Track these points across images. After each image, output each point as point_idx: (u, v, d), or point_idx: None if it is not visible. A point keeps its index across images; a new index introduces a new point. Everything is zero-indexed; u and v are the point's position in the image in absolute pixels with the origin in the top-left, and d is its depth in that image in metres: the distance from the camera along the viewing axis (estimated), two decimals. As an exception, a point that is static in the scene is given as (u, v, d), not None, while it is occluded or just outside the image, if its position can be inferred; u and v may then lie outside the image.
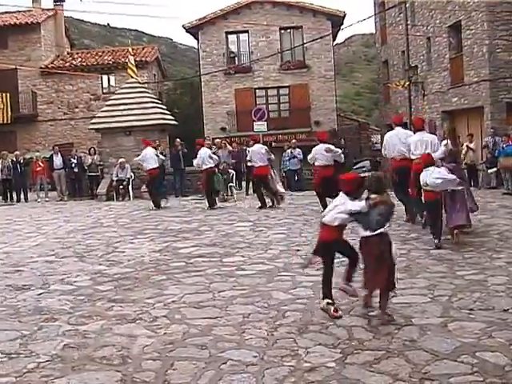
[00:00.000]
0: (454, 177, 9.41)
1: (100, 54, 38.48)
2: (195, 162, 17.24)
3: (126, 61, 26.17)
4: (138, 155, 18.29)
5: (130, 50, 26.11)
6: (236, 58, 35.79)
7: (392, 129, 12.75)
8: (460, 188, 9.75)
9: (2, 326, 6.06)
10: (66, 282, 7.91)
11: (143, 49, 38.51)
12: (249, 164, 17.06)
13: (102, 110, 24.39)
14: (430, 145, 11.20)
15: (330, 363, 4.78)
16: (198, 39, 35.52)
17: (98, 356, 5.11)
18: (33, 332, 5.83)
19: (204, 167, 16.79)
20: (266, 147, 16.70)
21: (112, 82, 35.70)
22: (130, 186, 21.10)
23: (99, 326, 5.91)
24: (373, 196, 6.03)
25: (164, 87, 42.17)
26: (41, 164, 22.82)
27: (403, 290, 6.80)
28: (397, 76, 33.84)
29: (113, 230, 13.02)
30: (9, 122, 34.09)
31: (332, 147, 14.09)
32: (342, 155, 14.78)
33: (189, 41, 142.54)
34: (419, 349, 5.01)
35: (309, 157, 14.65)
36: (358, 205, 5.99)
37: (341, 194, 6.24)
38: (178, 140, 22.30)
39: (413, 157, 11.22)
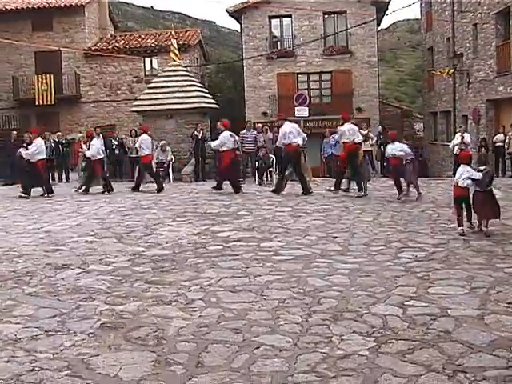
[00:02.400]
0: (409, 151, 14.37)
1: (143, 36, 38.64)
2: (215, 143, 17.61)
3: (169, 44, 26.29)
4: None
5: (173, 33, 26.17)
6: (279, 43, 35.60)
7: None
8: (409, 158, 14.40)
9: (41, 304, 6.17)
10: (105, 263, 8.02)
11: (186, 32, 38.56)
12: (279, 145, 16.94)
13: (144, 92, 24.57)
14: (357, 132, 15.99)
15: (364, 351, 4.77)
16: (240, 23, 35.41)
17: (133, 336, 5.18)
18: (71, 310, 5.93)
19: (223, 149, 17.00)
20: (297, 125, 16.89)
21: (155, 65, 35.87)
22: (170, 169, 21.24)
23: (135, 307, 5.99)
24: (482, 168, 9.86)
25: (206, 71, 42.22)
26: (83, 145, 23.08)
27: (441, 281, 6.75)
28: (441, 63, 33.37)
29: (152, 211, 13.14)
30: (52, 103, 34.56)
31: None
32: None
33: (232, 24, 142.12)
34: (454, 340, 4.97)
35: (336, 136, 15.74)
36: (478, 175, 9.64)
37: (462, 165, 9.91)
38: (219, 123, 22.34)
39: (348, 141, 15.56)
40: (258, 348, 4.85)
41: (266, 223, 11.08)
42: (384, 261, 7.80)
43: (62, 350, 4.89)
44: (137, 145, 18.44)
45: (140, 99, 24.17)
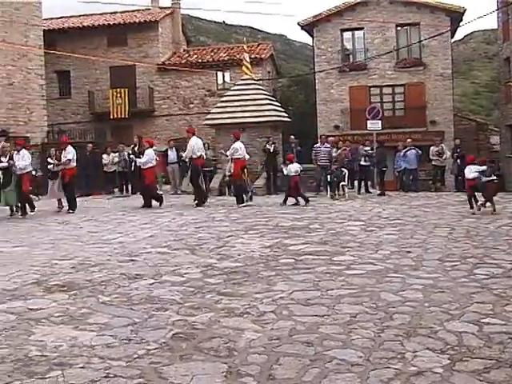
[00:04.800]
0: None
1: (215, 50, 39.16)
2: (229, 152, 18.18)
3: (241, 58, 26.55)
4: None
5: (245, 47, 26.44)
6: (351, 56, 35.47)
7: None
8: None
9: (115, 313, 6.29)
10: (177, 274, 8.10)
11: (258, 46, 38.87)
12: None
13: (217, 106, 24.87)
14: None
15: (437, 369, 4.65)
16: (312, 36, 35.46)
17: (205, 347, 5.20)
18: (144, 320, 6.01)
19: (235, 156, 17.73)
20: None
21: (227, 79, 36.28)
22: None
23: (207, 318, 6.02)
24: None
25: (278, 84, 42.41)
26: (156, 158, 23.45)
27: (518, 298, 6.56)
28: (519, 75, 32.60)
29: (224, 224, 13.23)
30: (127, 116, 35.40)
31: None
32: None
33: (303, 38, 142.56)
34: (533, 360, 4.80)
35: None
36: (483, 168, 14.05)
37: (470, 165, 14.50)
38: (292, 137, 22.41)
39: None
40: (329, 362, 4.80)
41: (338, 237, 11.01)
42: (459, 277, 7.61)
43: (135, 359, 4.95)
44: (188, 148, 18.54)
45: (212, 113, 24.46)
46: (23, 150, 16.38)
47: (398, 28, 34.15)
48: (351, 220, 13.46)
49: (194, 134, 18.11)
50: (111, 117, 35.56)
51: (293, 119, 26.18)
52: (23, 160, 16.03)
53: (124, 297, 6.93)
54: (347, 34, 35.11)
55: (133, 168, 18.55)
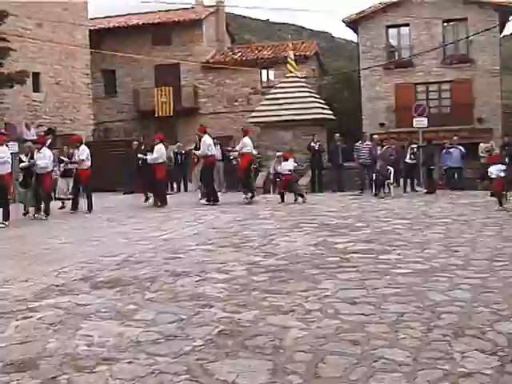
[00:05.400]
0: None
1: (260, 48, 39.16)
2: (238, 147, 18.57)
3: (286, 55, 26.50)
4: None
5: (290, 44, 26.40)
6: (396, 52, 35.11)
7: None
8: None
9: (161, 309, 6.32)
10: (223, 271, 8.11)
11: (302, 43, 38.76)
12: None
13: (262, 103, 24.88)
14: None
15: (487, 370, 4.55)
16: (357, 33, 35.21)
17: (251, 344, 5.19)
18: (189, 316, 6.03)
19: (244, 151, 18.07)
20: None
21: (271, 77, 36.25)
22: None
23: (253, 316, 6.01)
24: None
25: (323, 82, 42.21)
26: (193, 157, 23.55)
27: None
28: None
29: (269, 222, 13.23)
30: (171, 114, 35.65)
31: None
32: None
33: (347, 35, 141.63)
34: None
35: None
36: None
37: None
38: (337, 135, 22.29)
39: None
40: (376, 361, 4.74)
41: (383, 235, 10.89)
42: (508, 277, 7.46)
43: (181, 355, 4.96)
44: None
45: (257, 110, 24.48)
46: (44, 148, 16.13)
47: (445, 24, 33.61)
48: (397, 218, 13.31)
49: (205, 132, 18.13)
50: (156, 115, 35.86)
51: (337, 117, 26.02)
52: (44, 159, 15.72)
53: (170, 293, 6.96)
54: (392, 31, 34.73)
55: (140, 164, 18.35)
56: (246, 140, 18.22)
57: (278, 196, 18.02)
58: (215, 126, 36.34)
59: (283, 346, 5.14)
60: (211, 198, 17.51)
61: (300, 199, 17.51)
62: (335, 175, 21.92)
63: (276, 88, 25.29)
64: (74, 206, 16.73)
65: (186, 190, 23.11)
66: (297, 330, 5.52)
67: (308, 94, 23.82)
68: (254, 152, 22.36)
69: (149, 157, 17.52)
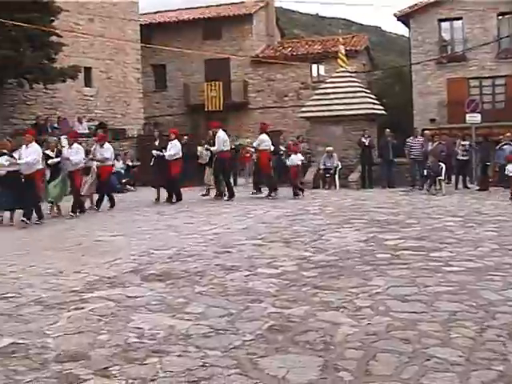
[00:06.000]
0: None
1: (310, 43, 39.01)
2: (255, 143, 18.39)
3: (336, 50, 26.36)
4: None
5: (341, 39, 26.23)
6: (449, 47, 34.54)
7: None
8: None
9: (211, 303, 6.33)
10: (272, 266, 8.10)
11: (353, 38, 38.47)
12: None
13: (312, 98, 24.78)
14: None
15: (544, 372, 4.46)
16: (409, 27, 34.76)
17: (301, 340, 5.16)
18: (239, 311, 6.03)
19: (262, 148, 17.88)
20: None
21: (321, 71, 36.09)
22: (336, 175, 21.25)
23: (303, 311, 5.98)
24: None
25: (373, 76, 41.85)
26: (250, 150, 23.61)
27: None
28: None
29: (318, 217, 13.17)
30: (221, 109, 35.78)
31: None
32: None
33: (398, 29, 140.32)
34: None
35: None
36: None
37: None
38: (388, 130, 22.10)
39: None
40: (428, 360, 4.66)
41: (435, 232, 10.72)
42: None
43: (230, 349, 4.96)
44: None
45: (307, 105, 24.39)
46: (75, 144, 15.43)
47: (500, 17, 32.91)
48: (448, 215, 13.11)
49: (220, 128, 18.14)
50: (206, 109, 36.04)
51: (388, 112, 25.76)
52: (77, 154, 15.04)
53: (220, 287, 6.99)
54: (445, 25, 34.17)
55: (152, 162, 17.93)
56: (264, 137, 18.12)
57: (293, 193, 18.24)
58: (265, 120, 36.31)
59: (333, 342, 5.10)
60: (271, 190, 17.86)
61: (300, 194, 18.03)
62: (385, 171, 21.72)
63: (326, 83, 25.14)
64: (111, 203, 16.49)
65: (235, 184, 23.16)
66: (347, 327, 5.47)
67: (359, 89, 23.63)
68: (282, 148, 22.36)
69: (166, 153, 17.17)
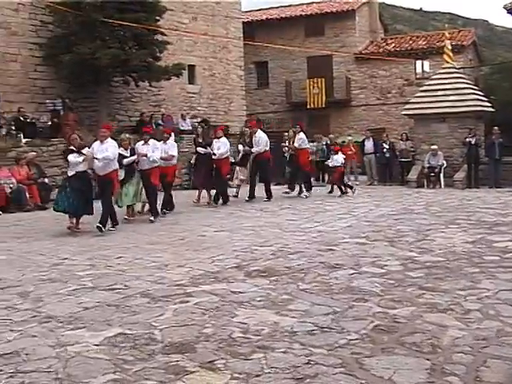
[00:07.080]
0: None
1: (413, 38, 38.31)
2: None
3: (441, 45, 25.80)
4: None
5: (447, 34, 25.59)
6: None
7: None
8: None
9: (315, 301, 6.33)
10: (377, 265, 8.01)
11: (459, 32, 37.52)
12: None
13: (416, 95, 24.28)
14: None
15: None
16: (520, 21, 33.55)
17: (407, 341, 5.06)
18: (344, 310, 5.99)
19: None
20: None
21: (426, 67, 35.37)
22: (441, 174, 20.80)
23: (409, 312, 5.88)
24: None
25: (480, 72, 40.64)
26: (352, 148, 23.43)
27: None
28: None
29: (423, 217, 12.92)
30: (323, 106, 35.65)
31: None
32: None
33: (507, 22, 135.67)
34: None
35: None
36: None
37: None
38: (496, 128, 21.40)
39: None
40: (543, 369, 4.49)
41: (547, 235, 10.32)
42: None
43: (336, 348, 4.94)
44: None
45: (411, 102, 23.94)
46: (151, 140, 14.00)
47: None
48: None
49: (259, 127, 17.78)
50: (308, 106, 36.01)
51: (496, 109, 24.91)
52: (155, 151, 13.68)
53: (324, 285, 6.96)
54: (559, 18, 32.80)
55: (193, 161, 17.22)
56: (303, 135, 18.01)
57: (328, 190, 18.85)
58: (367, 118, 36.09)
59: (441, 345, 4.98)
60: (307, 189, 18.01)
61: (349, 192, 18.08)
62: (492, 170, 21.04)
63: (432, 79, 24.57)
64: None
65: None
66: (455, 330, 5.33)
67: (465, 86, 22.97)
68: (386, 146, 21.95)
69: (216, 151, 15.86)
